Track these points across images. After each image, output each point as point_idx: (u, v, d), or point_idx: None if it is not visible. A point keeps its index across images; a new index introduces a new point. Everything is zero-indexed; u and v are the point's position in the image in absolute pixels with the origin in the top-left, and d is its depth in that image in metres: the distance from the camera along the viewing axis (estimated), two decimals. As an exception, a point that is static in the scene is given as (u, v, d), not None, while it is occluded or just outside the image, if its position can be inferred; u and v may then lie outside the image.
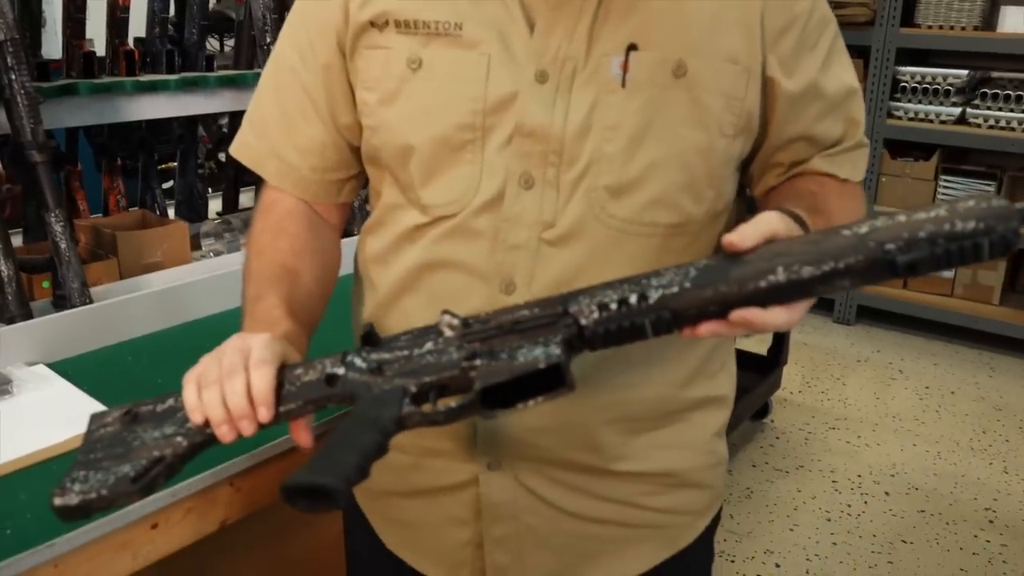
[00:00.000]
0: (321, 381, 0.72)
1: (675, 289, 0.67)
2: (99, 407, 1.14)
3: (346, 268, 1.02)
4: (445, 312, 0.71)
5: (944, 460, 2.87)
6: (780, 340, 3.02)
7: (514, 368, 0.67)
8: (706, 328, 0.66)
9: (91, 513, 0.69)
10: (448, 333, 0.71)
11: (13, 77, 1.36)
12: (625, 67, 0.77)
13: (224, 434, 0.71)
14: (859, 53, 3.83)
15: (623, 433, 0.87)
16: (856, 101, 0.89)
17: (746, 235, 0.65)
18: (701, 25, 0.78)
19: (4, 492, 0.98)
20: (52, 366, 1.29)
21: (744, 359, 2.97)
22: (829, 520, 2.54)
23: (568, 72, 0.78)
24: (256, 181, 2.12)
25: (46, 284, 1.49)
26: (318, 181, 0.92)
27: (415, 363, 0.71)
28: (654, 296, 0.67)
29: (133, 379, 1.26)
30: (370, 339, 0.73)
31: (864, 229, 0.64)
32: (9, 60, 1.36)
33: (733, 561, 2.35)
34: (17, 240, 1.71)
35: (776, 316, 0.65)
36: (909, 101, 3.76)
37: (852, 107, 0.88)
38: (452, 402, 0.69)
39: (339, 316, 1.02)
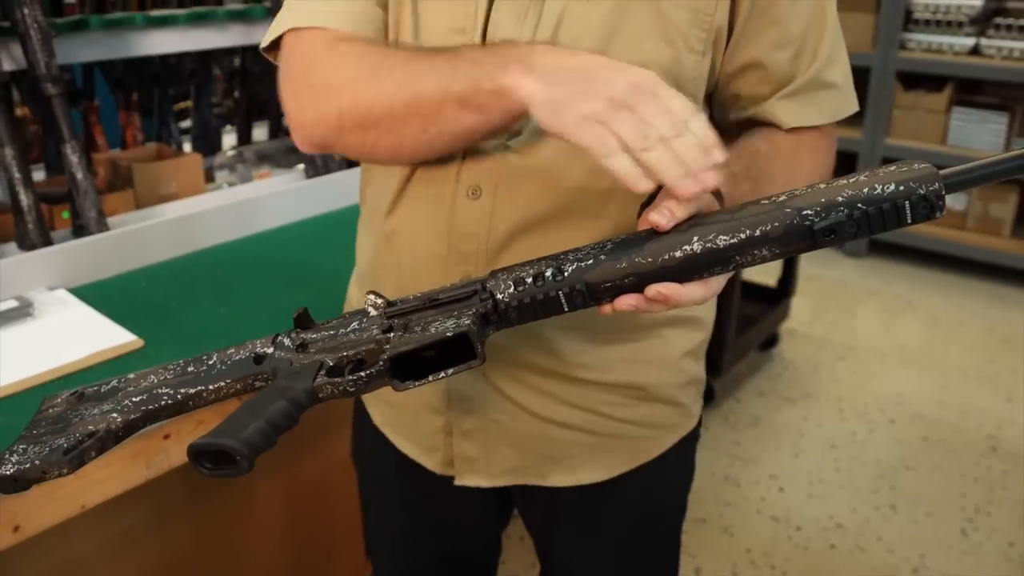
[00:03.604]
0: (249, 360, 0.75)
1: (590, 261, 0.67)
2: (116, 328, 1.22)
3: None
4: (370, 292, 0.73)
5: (950, 389, 2.91)
6: (789, 271, 3.05)
7: (423, 338, 0.67)
8: (623, 302, 0.67)
9: (27, 484, 0.69)
10: (372, 312, 0.73)
11: (26, 11, 1.40)
12: None
13: (686, 188, 0.64)
14: (873, -16, 3.78)
15: (582, 340, 0.89)
16: (826, 38, 0.85)
17: (671, 214, 0.65)
18: None
19: (27, 404, 1.04)
20: (72, 291, 1.35)
21: (752, 290, 3.01)
22: (833, 447, 2.60)
23: None
24: (270, 114, 2.16)
25: (66, 215, 1.55)
26: (366, 10, 0.85)
27: (338, 340, 0.73)
28: (569, 269, 0.67)
29: (148, 302, 1.33)
30: (301, 322, 0.75)
31: (783, 198, 0.64)
32: (21, -5, 1.39)
33: (739, 485, 2.42)
34: (40, 175, 1.77)
35: (693, 291, 0.66)
36: (922, 32, 3.70)
37: (819, 44, 0.85)
38: (363, 373, 0.70)
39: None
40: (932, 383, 2.95)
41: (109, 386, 0.76)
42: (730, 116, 0.89)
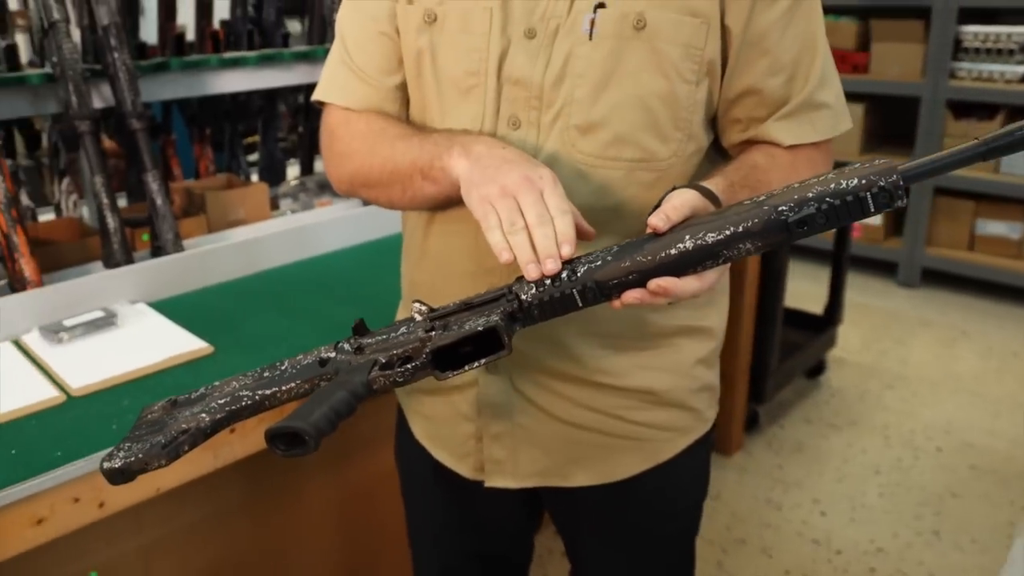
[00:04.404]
0: (315, 363, 0.87)
1: (599, 262, 0.77)
2: (189, 336, 1.35)
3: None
4: (415, 301, 0.85)
5: (1002, 419, 2.89)
6: (835, 299, 3.08)
7: (458, 334, 0.79)
8: (630, 296, 0.76)
9: (132, 475, 0.83)
10: (418, 318, 0.84)
11: (116, 56, 1.57)
12: (592, 23, 0.88)
13: (531, 272, 0.78)
14: (919, 14, 3.80)
15: (601, 347, 0.99)
16: (817, 62, 0.92)
17: (667, 218, 0.76)
18: None
19: (111, 400, 1.18)
20: (151, 304, 1.50)
21: (797, 317, 3.06)
22: (878, 473, 2.62)
23: (552, 29, 0.91)
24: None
25: (145, 237, 1.72)
26: (378, 86, 1.01)
27: (389, 342, 0.85)
28: (581, 270, 0.77)
29: (217, 315, 1.47)
30: (358, 330, 0.88)
31: (763, 198, 0.74)
32: (112, 41, 1.57)
33: (780, 508, 2.46)
34: (122, 202, 1.94)
35: (688, 284, 0.76)
36: (972, 61, 3.71)
37: (811, 68, 0.92)
38: (409, 365, 0.82)
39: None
40: (983, 412, 2.94)
41: (198, 393, 0.89)
42: (733, 138, 0.97)
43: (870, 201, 0.71)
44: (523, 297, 0.80)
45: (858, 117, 3.97)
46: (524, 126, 0.92)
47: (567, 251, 0.78)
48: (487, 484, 1.07)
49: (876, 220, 4.04)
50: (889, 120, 4.16)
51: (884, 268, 4.12)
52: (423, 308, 0.85)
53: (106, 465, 0.83)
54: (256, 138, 2.43)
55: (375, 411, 1.24)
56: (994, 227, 3.84)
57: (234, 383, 0.89)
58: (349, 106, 1.02)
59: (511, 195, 0.80)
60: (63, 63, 1.52)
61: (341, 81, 1.03)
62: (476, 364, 0.79)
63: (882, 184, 0.71)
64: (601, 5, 0.88)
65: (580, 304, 0.79)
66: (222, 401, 0.87)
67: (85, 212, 2.02)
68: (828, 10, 4.28)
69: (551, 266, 0.77)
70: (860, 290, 3.95)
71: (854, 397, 3.05)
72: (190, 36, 2.02)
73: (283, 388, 0.87)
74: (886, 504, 2.47)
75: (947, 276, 3.94)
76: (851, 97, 4.49)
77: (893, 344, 3.47)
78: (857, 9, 4.05)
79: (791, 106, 0.93)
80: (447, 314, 0.84)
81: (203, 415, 0.86)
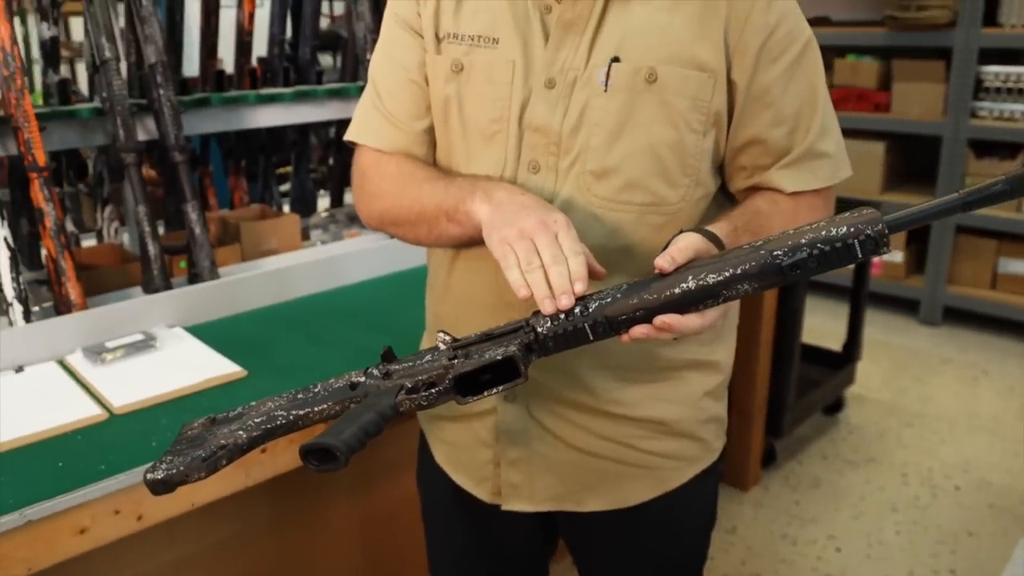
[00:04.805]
0: (346, 386, 0.94)
1: (608, 299, 0.84)
2: (224, 360, 1.42)
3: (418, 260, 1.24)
4: (440, 331, 0.92)
5: (1021, 458, 2.89)
6: (854, 336, 3.10)
7: (479, 362, 0.85)
8: (636, 331, 0.83)
9: (173, 486, 0.90)
10: (442, 347, 0.90)
11: (161, 92, 1.66)
12: (608, 76, 0.95)
13: (546, 307, 0.84)
14: (940, 55, 3.85)
15: (614, 379, 1.04)
16: (818, 114, 0.98)
17: (672, 260, 0.83)
18: (672, 39, 0.95)
19: (151, 418, 1.25)
20: (188, 328, 1.57)
21: (816, 354, 3.08)
22: (895, 510, 2.62)
23: (570, 80, 0.97)
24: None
25: (183, 264, 1.79)
26: (408, 131, 1.09)
27: (415, 369, 0.91)
28: (592, 306, 0.84)
29: (250, 340, 1.53)
30: (386, 357, 0.95)
31: (760, 243, 0.81)
32: (159, 78, 1.66)
33: (795, 544, 2.47)
34: (160, 230, 2.02)
35: (691, 320, 0.82)
36: (993, 100, 3.75)
37: (812, 119, 0.98)
38: (433, 390, 0.89)
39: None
40: (1003, 451, 2.94)
41: (235, 412, 0.96)
42: (739, 184, 1.03)
43: (857, 248, 0.77)
44: (539, 330, 0.86)
45: (879, 155, 4.01)
46: (543, 170, 0.99)
47: (579, 288, 0.84)
48: (504, 507, 1.13)
49: (898, 257, 4.06)
50: (911, 158, 4.20)
51: (906, 306, 4.13)
52: (447, 338, 0.91)
53: (149, 476, 0.89)
54: (287, 169, 2.52)
55: (398, 437, 1.30)
56: (1016, 266, 3.84)
57: (269, 403, 0.95)
58: (380, 148, 1.10)
59: (528, 237, 0.87)
60: (112, 98, 1.61)
61: (374, 125, 1.10)
62: (495, 390, 0.85)
63: (868, 232, 0.77)
64: (616, 59, 0.95)
65: (591, 337, 0.86)
66: (259, 420, 0.93)
67: (126, 238, 2.11)
68: (850, 50, 4.35)
69: (565, 302, 0.84)
70: (881, 327, 3.96)
71: (873, 434, 3.07)
72: (228, 69, 2.11)
73: (315, 409, 0.93)
74: (902, 542, 2.48)
75: (969, 314, 3.94)
76: (872, 135, 4.57)
77: (913, 382, 3.47)
78: (879, 49, 4.11)
79: (793, 155, 0.99)
80: (469, 344, 0.90)
81: (240, 432, 0.92)
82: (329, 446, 0.82)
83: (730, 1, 0.94)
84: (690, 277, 0.82)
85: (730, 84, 0.96)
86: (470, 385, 0.87)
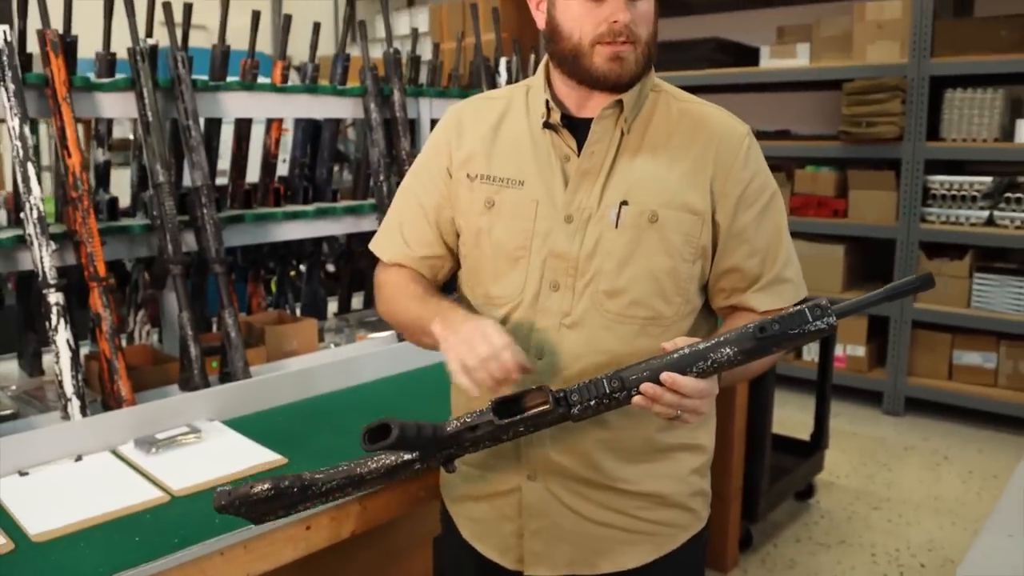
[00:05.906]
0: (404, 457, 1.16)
1: (623, 367, 1.09)
2: (264, 449, 1.61)
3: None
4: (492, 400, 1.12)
5: (981, 540, 3.08)
6: (820, 426, 3.32)
7: (516, 392, 1.13)
8: (646, 387, 1.06)
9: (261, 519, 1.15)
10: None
11: (205, 211, 1.89)
12: (618, 215, 1.20)
13: (495, 390, 1.11)
14: (891, 165, 4.21)
15: (619, 460, 1.25)
16: (782, 247, 1.25)
17: (673, 343, 1.09)
18: (670, 188, 1.20)
19: (204, 501, 1.42)
20: (224, 422, 1.76)
21: (785, 443, 3.29)
22: (866, 589, 2.79)
23: (585, 217, 1.21)
24: (363, 288, 2.62)
25: (215, 364, 1.99)
26: (415, 255, 1.35)
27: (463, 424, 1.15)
28: (609, 373, 1.09)
29: (284, 432, 1.72)
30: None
31: (740, 327, 1.07)
32: (203, 199, 1.89)
33: (774, 622, 2.63)
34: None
35: (688, 380, 1.05)
36: (940, 206, 4.10)
37: (778, 251, 1.24)
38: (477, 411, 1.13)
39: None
40: (965, 531, 3.13)
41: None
42: (719, 303, 1.29)
43: (807, 312, 1.05)
44: (573, 411, 1.11)
45: (839, 257, 4.32)
46: (562, 289, 1.22)
47: (516, 376, 1.10)
48: (527, 573, 1.31)
49: (860, 351, 4.33)
50: (868, 260, 4.52)
51: (871, 397, 4.38)
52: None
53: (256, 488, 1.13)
54: (292, 274, 2.74)
55: (411, 520, 1.44)
56: (970, 357, 4.12)
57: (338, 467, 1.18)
58: (395, 261, 1.37)
59: (467, 344, 1.12)
60: (163, 216, 1.84)
61: (395, 244, 1.37)
62: (528, 413, 1.09)
63: (815, 303, 1.05)
64: (624, 203, 1.20)
65: (607, 390, 1.08)
66: (333, 471, 1.17)
67: (155, 339, 2.30)
68: (809, 161, 4.71)
69: (507, 389, 1.11)
70: (848, 418, 4.20)
71: (843, 518, 3.25)
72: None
73: (381, 463, 1.17)
74: (873, 618, 2.64)
75: (929, 404, 4.19)
76: (832, 239, 4.94)
77: (879, 468, 3.68)
78: (836, 160, 4.48)
79: (764, 281, 1.24)
80: (509, 399, 1.13)
81: (318, 476, 1.16)
82: (386, 422, 1.05)
83: (715, 160, 1.21)
84: (685, 347, 1.07)
85: (714, 224, 1.22)
86: (507, 410, 1.10)
